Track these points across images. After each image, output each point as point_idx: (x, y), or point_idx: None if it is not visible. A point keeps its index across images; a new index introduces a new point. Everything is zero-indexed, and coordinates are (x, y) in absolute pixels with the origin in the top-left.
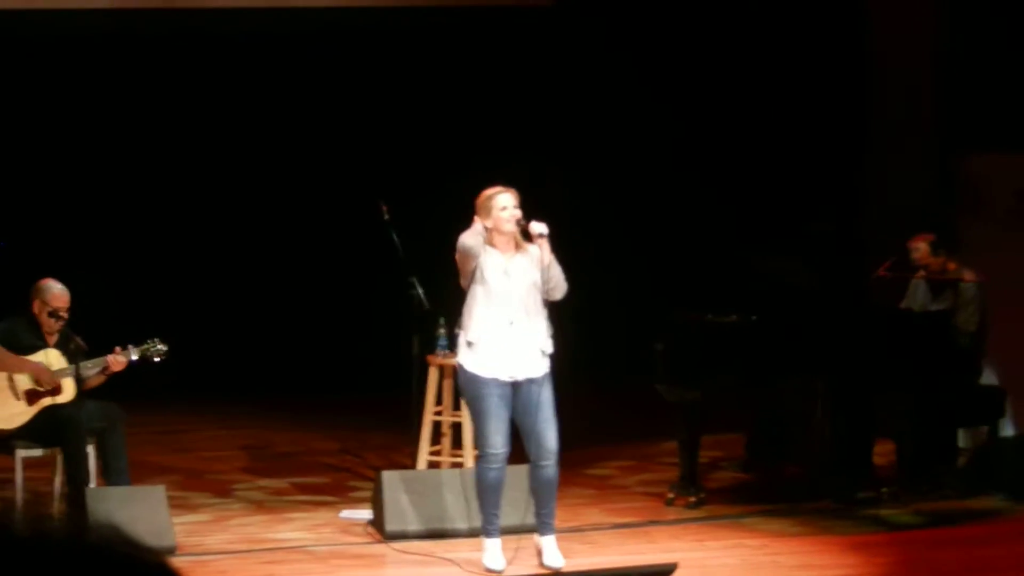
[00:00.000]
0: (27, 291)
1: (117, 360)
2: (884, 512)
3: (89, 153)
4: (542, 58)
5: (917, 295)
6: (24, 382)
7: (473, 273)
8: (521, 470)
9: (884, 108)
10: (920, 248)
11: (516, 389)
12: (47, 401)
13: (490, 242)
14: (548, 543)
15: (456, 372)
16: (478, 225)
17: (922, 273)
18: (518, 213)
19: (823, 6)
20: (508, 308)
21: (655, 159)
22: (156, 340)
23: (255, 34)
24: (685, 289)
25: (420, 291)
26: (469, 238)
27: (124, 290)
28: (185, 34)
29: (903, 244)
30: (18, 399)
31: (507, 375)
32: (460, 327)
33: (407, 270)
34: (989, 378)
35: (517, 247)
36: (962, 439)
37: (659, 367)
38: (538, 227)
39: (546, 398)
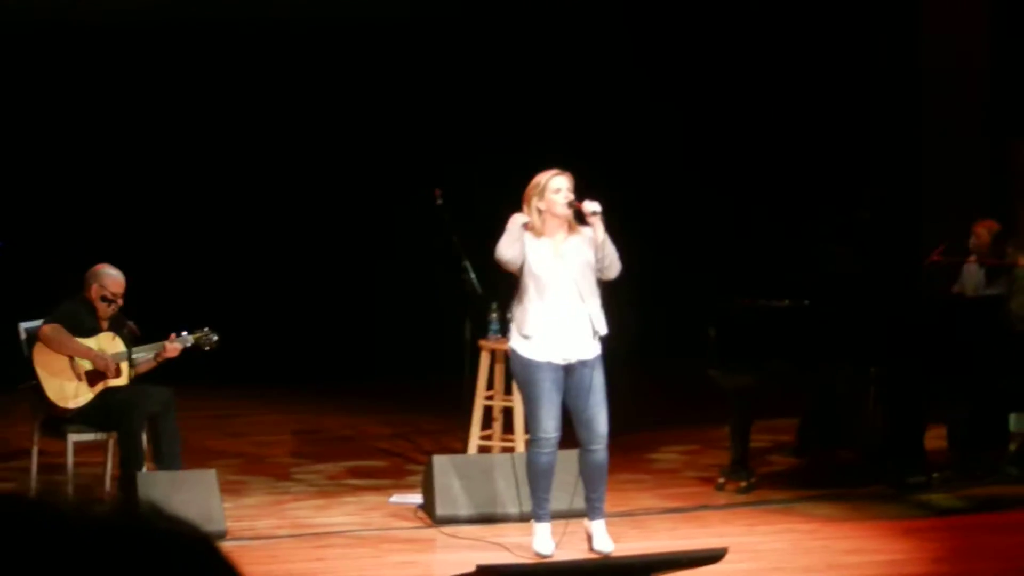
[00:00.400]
0: (80, 276)
1: (172, 347)
2: (934, 497)
3: (141, 145)
4: (598, 44)
5: (970, 280)
6: (85, 363)
7: (521, 270)
8: (571, 455)
9: (937, 93)
10: (982, 234)
11: (568, 372)
12: (105, 383)
13: (540, 228)
14: (598, 527)
15: (508, 357)
16: (515, 224)
17: (974, 258)
18: (572, 196)
19: None
20: (561, 292)
21: (710, 145)
22: (208, 329)
23: (300, 21)
24: (738, 274)
25: (473, 276)
26: (505, 249)
27: (172, 276)
28: (217, 24)
29: (956, 229)
30: (80, 380)
31: (560, 358)
32: (512, 318)
33: (460, 255)
34: None
35: (570, 229)
36: (1014, 424)
37: (712, 352)
38: (591, 206)
39: (598, 382)
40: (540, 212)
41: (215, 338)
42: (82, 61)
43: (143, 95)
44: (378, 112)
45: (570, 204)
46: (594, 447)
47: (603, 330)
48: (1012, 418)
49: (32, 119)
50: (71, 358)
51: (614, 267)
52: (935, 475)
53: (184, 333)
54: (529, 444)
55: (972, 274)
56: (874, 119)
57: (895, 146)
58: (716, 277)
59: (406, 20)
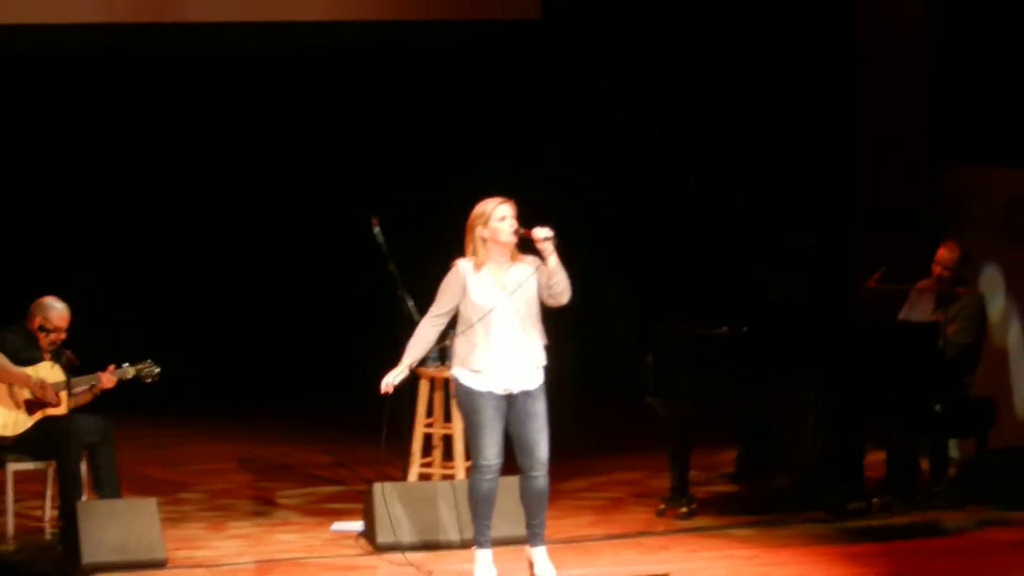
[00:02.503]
0: (24, 303)
1: (108, 378)
2: (873, 523)
3: (85, 167)
4: (531, 69)
5: (918, 306)
6: (24, 392)
7: (462, 302)
8: (513, 481)
9: (873, 121)
10: (951, 256)
11: (511, 401)
12: (44, 412)
13: (483, 256)
14: (539, 554)
15: (448, 385)
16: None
17: (926, 282)
18: (516, 224)
19: (811, 19)
20: (504, 324)
21: (645, 171)
22: (150, 361)
23: (253, 47)
24: (677, 300)
25: (410, 303)
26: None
27: (109, 306)
28: (187, 48)
29: (892, 256)
30: (18, 408)
31: (502, 388)
32: (454, 347)
33: (397, 282)
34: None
35: (513, 258)
36: (953, 450)
37: (650, 379)
38: (542, 232)
39: (539, 409)
40: (484, 240)
41: (157, 370)
42: (43, 88)
43: (93, 126)
44: (318, 138)
45: (517, 232)
46: (535, 473)
47: (543, 361)
48: (951, 444)
49: None
50: (10, 386)
51: (566, 293)
52: (874, 501)
53: (125, 365)
54: (471, 471)
55: (923, 300)
56: (811, 147)
57: (831, 173)
58: (654, 303)
59: (358, 44)
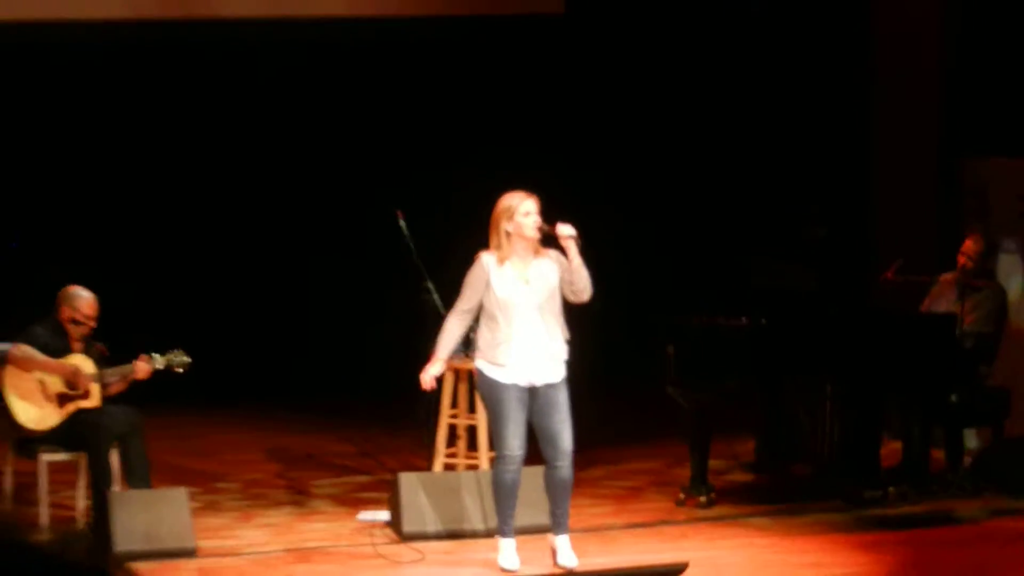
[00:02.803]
0: (53, 295)
1: (142, 368)
2: (890, 512)
3: (111, 162)
4: (554, 64)
5: (942, 297)
6: (55, 385)
7: (486, 296)
8: (537, 471)
9: (889, 114)
10: (976, 247)
11: (533, 393)
12: (76, 405)
13: (507, 250)
14: (562, 543)
15: (472, 376)
16: (479, 265)
17: (950, 275)
18: (540, 219)
19: (829, 13)
20: (527, 317)
21: (664, 165)
22: (180, 351)
23: (278, 42)
24: (696, 293)
25: (435, 296)
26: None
27: (139, 297)
28: (206, 44)
29: (909, 247)
30: (49, 402)
31: (526, 380)
32: (478, 339)
33: (422, 275)
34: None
35: (536, 252)
36: (971, 440)
37: (670, 370)
38: (566, 229)
39: (562, 401)
40: (508, 235)
41: (187, 360)
42: (53, 88)
43: (108, 123)
44: (346, 133)
45: (540, 228)
46: (559, 464)
47: (565, 354)
48: (969, 434)
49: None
50: (41, 381)
51: (587, 290)
52: (890, 490)
53: (155, 355)
54: (495, 462)
55: (945, 291)
56: (827, 138)
57: (848, 164)
58: (675, 296)
59: (385, 39)
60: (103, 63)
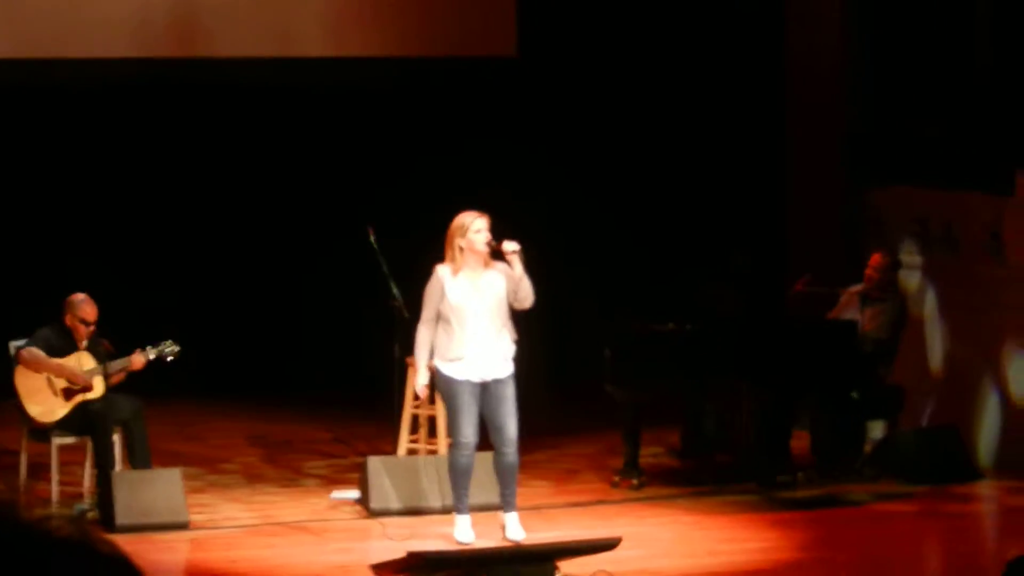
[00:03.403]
0: (59, 300)
1: (137, 360)
2: (799, 494)
3: (121, 183)
4: (508, 101)
5: (848, 306)
6: (61, 381)
7: (441, 303)
8: (488, 456)
9: (800, 149)
10: (880, 264)
11: (484, 388)
12: (80, 397)
13: (460, 263)
14: (511, 519)
15: (432, 373)
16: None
17: (856, 288)
18: (489, 236)
19: (741, 45)
20: (478, 321)
21: (606, 193)
22: (169, 341)
23: (258, 81)
24: (630, 300)
25: (401, 302)
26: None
27: (136, 297)
28: (194, 79)
29: (817, 263)
30: (56, 396)
31: (478, 377)
32: (436, 347)
33: (389, 283)
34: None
35: (486, 265)
36: (877, 430)
37: (608, 370)
38: (510, 245)
39: (509, 395)
40: (462, 249)
41: (176, 348)
42: (58, 104)
43: (110, 138)
44: (325, 160)
45: (489, 244)
46: (505, 450)
47: (512, 353)
48: (873, 425)
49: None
50: (48, 378)
51: (529, 299)
52: (800, 475)
53: (148, 347)
54: (450, 448)
55: (851, 301)
56: (745, 170)
57: (765, 192)
58: (613, 302)
59: (355, 83)
60: (113, 95)
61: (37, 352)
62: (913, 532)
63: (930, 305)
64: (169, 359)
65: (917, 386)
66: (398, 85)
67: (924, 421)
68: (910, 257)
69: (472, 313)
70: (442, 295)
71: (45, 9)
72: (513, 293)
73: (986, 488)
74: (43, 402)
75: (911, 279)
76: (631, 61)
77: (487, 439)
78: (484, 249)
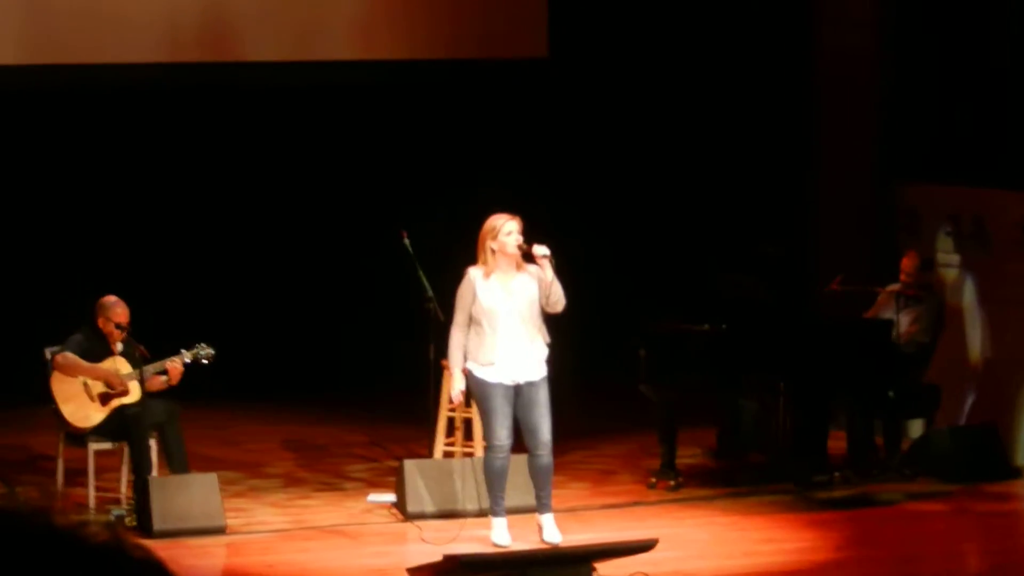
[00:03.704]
0: (91, 304)
1: (174, 366)
2: (836, 494)
3: (151, 185)
4: (539, 102)
5: (885, 306)
6: (97, 386)
7: (473, 306)
8: (524, 459)
9: (832, 145)
10: (913, 263)
11: (517, 390)
12: (116, 402)
13: (492, 265)
14: (547, 520)
15: (467, 376)
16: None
17: (894, 287)
18: (521, 238)
19: (771, 41)
20: (509, 323)
21: (640, 193)
22: (203, 344)
23: (291, 84)
24: (664, 301)
25: (436, 304)
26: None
27: (172, 301)
28: (224, 82)
29: (850, 262)
30: (92, 401)
31: (510, 379)
32: (468, 350)
33: (424, 286)
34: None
35: (518, 267)
36: (918, 429)
37: (642, 370)
38: (541, 249)
39: (542, 397)
40: (493, 252)
41: (211, 351)
42: (89, 109)
43: (140, 142)
44: (359, 162)
45: (520, 247)
46: (539, 452)
47: (545, 355)
48: (913, 424)
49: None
50: (85, 383)
51: (560, 303)
52: (836, 475)
53: (182, 351)
54: (485, 451)
55: (888, 302)
56: (776, 167)
57: (797, 188)
58: (646, 303)
59: (384, 85)
60: (144, 100)
61: (72, 356)
62: (949, 531)
63: (968, 300)
64: (204, 362)
65: (956, 383)
66: (429, 88)
67: (963, 418)
68: (946, 255)
69: (504, 316)
70: (474, 298)
71: (75, 15)
72: (545, 297)
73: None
74: (80, 407)
75: (948, 275)
76: (661, 59)
77: (522, 441)
78: (515, 252)
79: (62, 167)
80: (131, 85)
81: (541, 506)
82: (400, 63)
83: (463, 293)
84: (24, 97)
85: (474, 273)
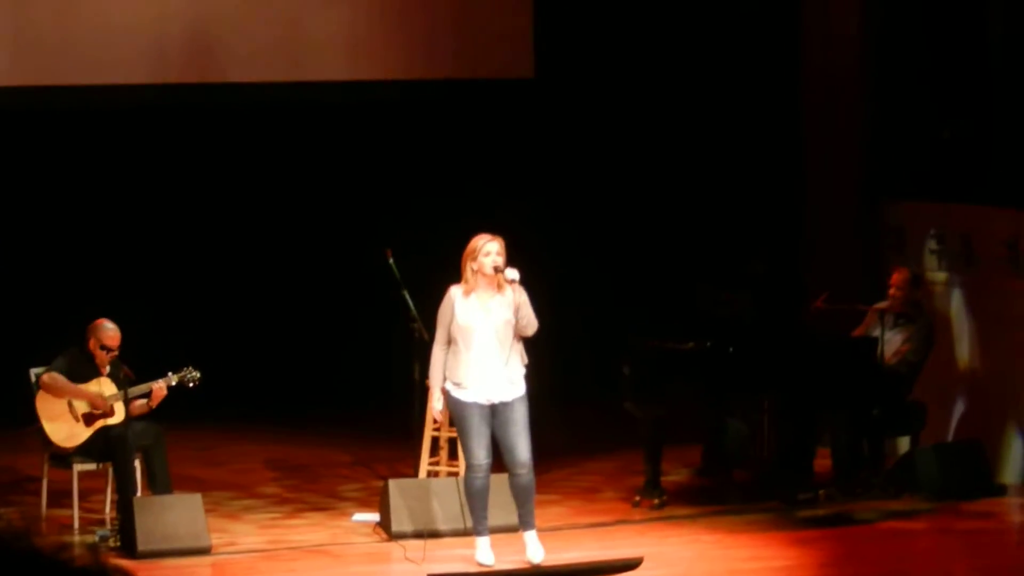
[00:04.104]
0: (81, 326)
1: (159, 388)
2: (821, 512)
3: (138, 206)
4: (524, 121)
5: (874, 324)
6: (81, 406)
7: (450, 325)
8: (506, 478)
9: (817, 163)
10: (902, 279)
11: (493, 410)
12: (101, 423)
13: (473, 284)
14: (530, 537)
15: (445, 395)
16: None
17: (882, 304)
18: (499, 260)
19: (758, 57)
20: (484, 342)
21: (623, 210)
22: (190, 367)
23: (279, 104)
24: (647, 318)
25: (420, 324)
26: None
27: (156, 323)
28: (211, 103)
29: (835, 280)
30: (77, 421)
31: (485, 399)
32: (446, 369)
33: (408, 306)
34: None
35: (499, 288)
36: (900, 447)
37: (626, 388)
38: (511, 274)
39: (519, 416)
40: (474, 271)
41: (197, 374)
42: (76, 130)
43: (127, 163)
44: (344, 182)
45: (496, 268)
46: (517, 472)
47: (521, 374)
48: (901, 441)
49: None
50: (70, 403)
51: (530, 328)
52: (821, 492)
53: (169, 373)
54: (465, 471)
55: (878, 320)
56: (762, 184)
57: (783, 205)
58: (629, 321)
59: (371, 104)
60: (131, 121)
61: (59, 377)
62: (935, 548)
63: (954, 316)
64: (191, 385)
65: (942, 400)
66: (415, 107)
67: (950, 435)
68: (932, 273)
69: (478, 335)
70: (452, 315)
71: (61, 36)
72: (516, 320)
73: (1009, 504)
74: (64, 427)
75: (934, 292)
76: (647, 77)
77: (502, 461)
78: (491, 272)
79: (48, 188)
80: (118, 106)
81: (523, 523)
82: (386, 83)
83: (443, 311)
84: (10, 118)
85: (455, 291)
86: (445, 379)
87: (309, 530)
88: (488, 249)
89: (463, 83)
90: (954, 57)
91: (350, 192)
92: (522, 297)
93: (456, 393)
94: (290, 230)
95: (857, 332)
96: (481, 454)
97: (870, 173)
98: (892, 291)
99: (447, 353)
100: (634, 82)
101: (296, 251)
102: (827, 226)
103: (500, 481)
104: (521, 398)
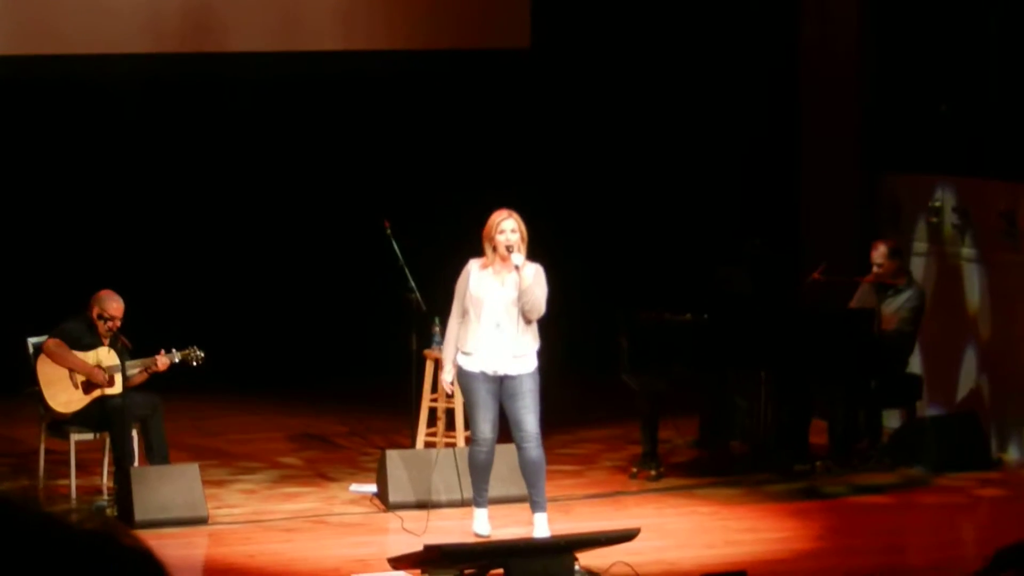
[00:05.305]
0: (83, 296)
1: (162, 361)
2: (817, 483)
3: (141, 178)
4: (520, 91)
5: (866, 296)
6: (81, 375)
7: (464, 297)
8: (509, 448)
9: (814, 137)
10: (881, 251)
11: (502, 383)
12: (99, 392)
13: (491, 259)
14: (539, 519)
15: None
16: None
17: (868, 277)
18: (513, 238)
19: (756, 33)
20: (495, 315)
21: (619, 183)
22: (195, 347)
23: (277, 74)
24: (646, 291)
25: (417, 295)
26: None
27: (156, 296)
28: (208, 73)
29: (832, 252)
30: (76, 388)
31: (491, 370)
32: (459, 340)
33: (406, 276)
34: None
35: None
36: (895, 419)
37: (624, 360)
38: (515, 259)
39: (525, 391)
40: (493, 248)
41: (201, 354)
42: (73, 100)
43: (124, 133)
44: (343, 153)
45: (508, 247)
46: (525, 444)
47: (530, 349)
48: (891, 413)
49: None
50: (70, 370)
51: (535, 311)
52: (817, 464)
53: (173, 350)
54: (470, 443)
55: (867, 291)
56: (759, 158)
57: (778, 180)
58: (627, 293)
59: (369, 74)
60: (129, 90)
61: (63, 345)
62: (929, 520)
63: (954, 289)
64: (194, 364)
65: (942, 372)
66: (411, 77)
67: (951, 408)
68: (929, 246)
69: (489, 305)
70: (467, 288)
71: (57, 6)
72: (520, 303)
73: (1004, 475)
74: (62, 392)
75: (932, 265)
76: (645, 50)
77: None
78: (505, 252)
79: (43, 157)
80: (115, 76)
81: (533, 504)
82: (381, 53)
83: (460, 284)
84: (8, 87)
85: (472, 264)
86: (457, 351)
87: (307, 500)
88: (504, 227)
89: (458, 53)
90: (951, 31)
91: (346, 163)
92: (530, 282)
93: (463, 362)
94: (286, 200)
95: (851, 304)
96: (487, 428)
97: (867, 147)
98: (874, 267)
99: (461, 325)
100: (632, 54)
101: (293, 221)
102: (825, 199)
103: (501, 452)
104: (531, 374)
